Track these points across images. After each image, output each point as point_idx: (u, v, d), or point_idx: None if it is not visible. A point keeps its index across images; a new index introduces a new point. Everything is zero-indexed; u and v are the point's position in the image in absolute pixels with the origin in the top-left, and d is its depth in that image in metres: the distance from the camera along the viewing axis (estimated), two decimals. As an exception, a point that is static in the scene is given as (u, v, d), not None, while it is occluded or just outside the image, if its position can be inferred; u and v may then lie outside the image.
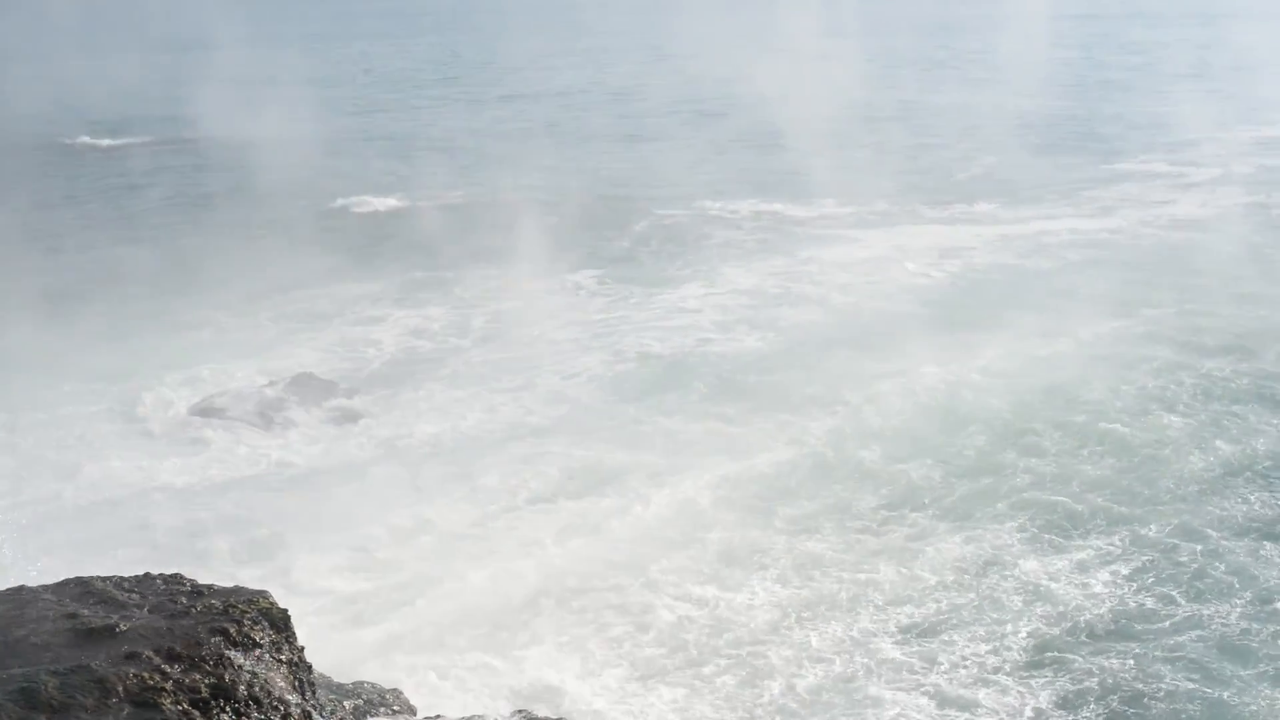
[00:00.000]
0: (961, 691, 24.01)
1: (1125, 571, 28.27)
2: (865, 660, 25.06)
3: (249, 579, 17.32)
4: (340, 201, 69.52)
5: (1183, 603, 26.84)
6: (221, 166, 79.56)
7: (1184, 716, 23.13)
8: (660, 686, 24.29)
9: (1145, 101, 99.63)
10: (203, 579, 13.84)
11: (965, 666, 24.85)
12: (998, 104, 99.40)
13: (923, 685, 24.20)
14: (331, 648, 22.71)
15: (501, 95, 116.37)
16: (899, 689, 24.10)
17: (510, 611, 26.84)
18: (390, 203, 69.19)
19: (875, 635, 25.99)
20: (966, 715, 23.36)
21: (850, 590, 27.69)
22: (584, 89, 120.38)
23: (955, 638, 25.83)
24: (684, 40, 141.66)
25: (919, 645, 25.55)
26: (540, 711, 20.07)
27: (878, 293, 50.54)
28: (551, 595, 27.52)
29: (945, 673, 24.62)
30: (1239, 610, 26.41)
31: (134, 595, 12.97)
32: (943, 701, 23.74)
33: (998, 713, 23.36)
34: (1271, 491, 31.83)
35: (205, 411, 38.08)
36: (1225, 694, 23.60)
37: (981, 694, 23.96)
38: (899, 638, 25.85)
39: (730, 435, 36.25)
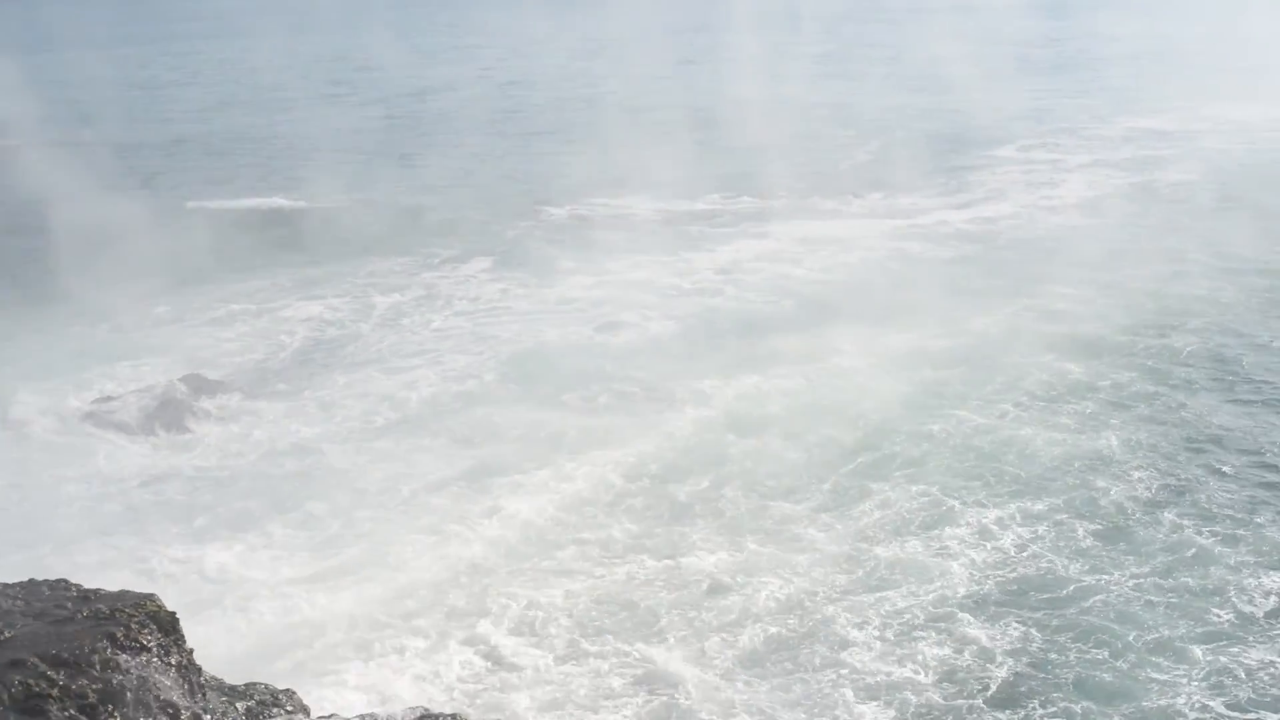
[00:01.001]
0: (865, 658, 24.92)
1: (1016, 544, 29.29)
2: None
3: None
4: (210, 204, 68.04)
5: (1074, 574, 27.88)
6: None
7: (1080, 678, 24.09)
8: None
9: (1019, 93, 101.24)
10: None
11: (865, 634, 25.72)
12: (878, 99, 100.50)
13: (809, 658, 24.92)
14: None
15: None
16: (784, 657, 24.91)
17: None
18: (259, 202, 68.16)
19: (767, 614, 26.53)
20: (872, 677, 24.30)
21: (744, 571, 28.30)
22: (452, 84, 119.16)
23: (835, 611, 26.67)
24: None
25: (802, 623, 26.28)
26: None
27: (755, 287, 50.92)
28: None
29: (836, 647, 25.37)
30: (1130, 580, 27.49)
31: (18, 602, 12.70)
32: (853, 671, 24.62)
33: (894, 678, 24.21)
34: (1154, 471, 32.90)
35: (87, 416, 37.27)
36: (1117, 661, 24.55)
37: (872, 659, 24.85)
38: (787, 617, 26.48)
39: (606, 427, 36.57)
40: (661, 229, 60.58)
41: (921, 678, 24.38)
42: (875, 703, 23.64)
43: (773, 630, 26.08)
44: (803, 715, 23.34)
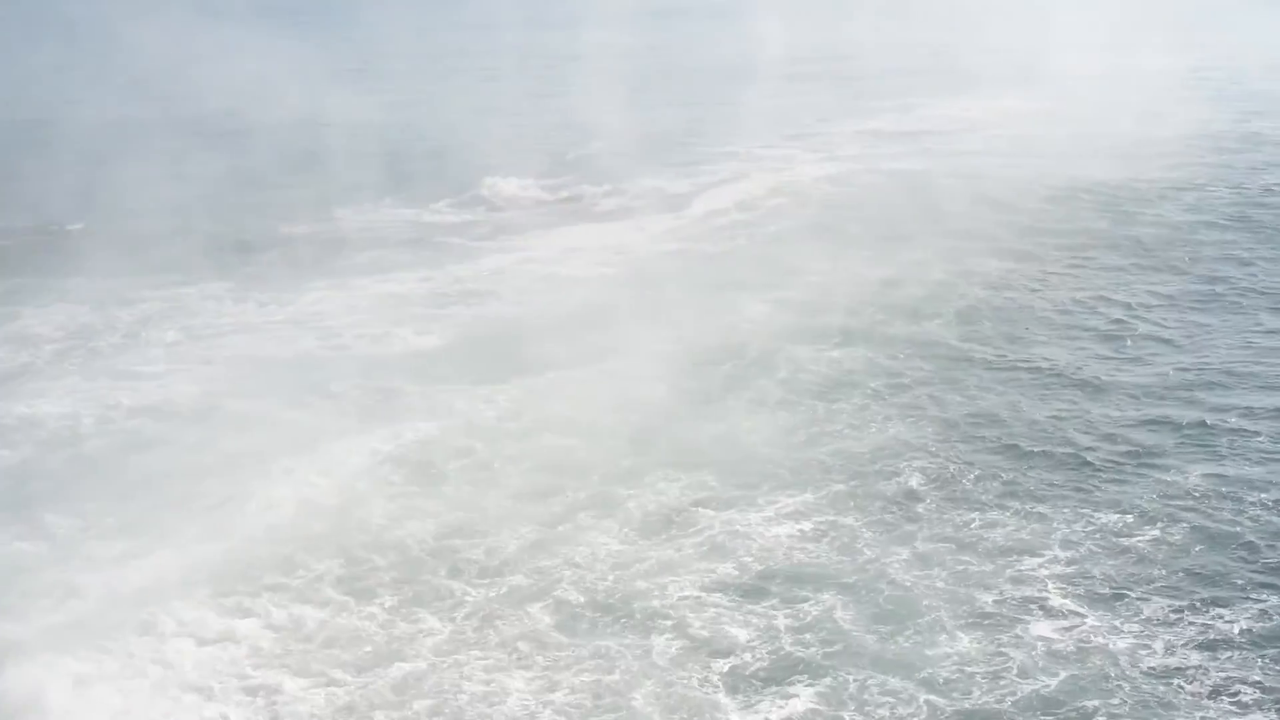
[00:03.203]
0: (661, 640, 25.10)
1: (806, 528, 29.44)
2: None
3: None
4: None
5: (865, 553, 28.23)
6: None
7: (855, 661, 24.22)
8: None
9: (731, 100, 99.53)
10: None
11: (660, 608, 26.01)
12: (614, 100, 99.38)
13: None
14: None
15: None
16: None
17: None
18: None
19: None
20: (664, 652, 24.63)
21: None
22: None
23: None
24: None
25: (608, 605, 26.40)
26: None
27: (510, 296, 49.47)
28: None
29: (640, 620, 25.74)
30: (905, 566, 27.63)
31: None
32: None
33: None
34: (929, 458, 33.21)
35: None
36: (890, 645, 24.64)
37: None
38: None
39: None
40: (414, 240, 58.77)
41: (683, 670, 24.22)
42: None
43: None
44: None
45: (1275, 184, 61.23)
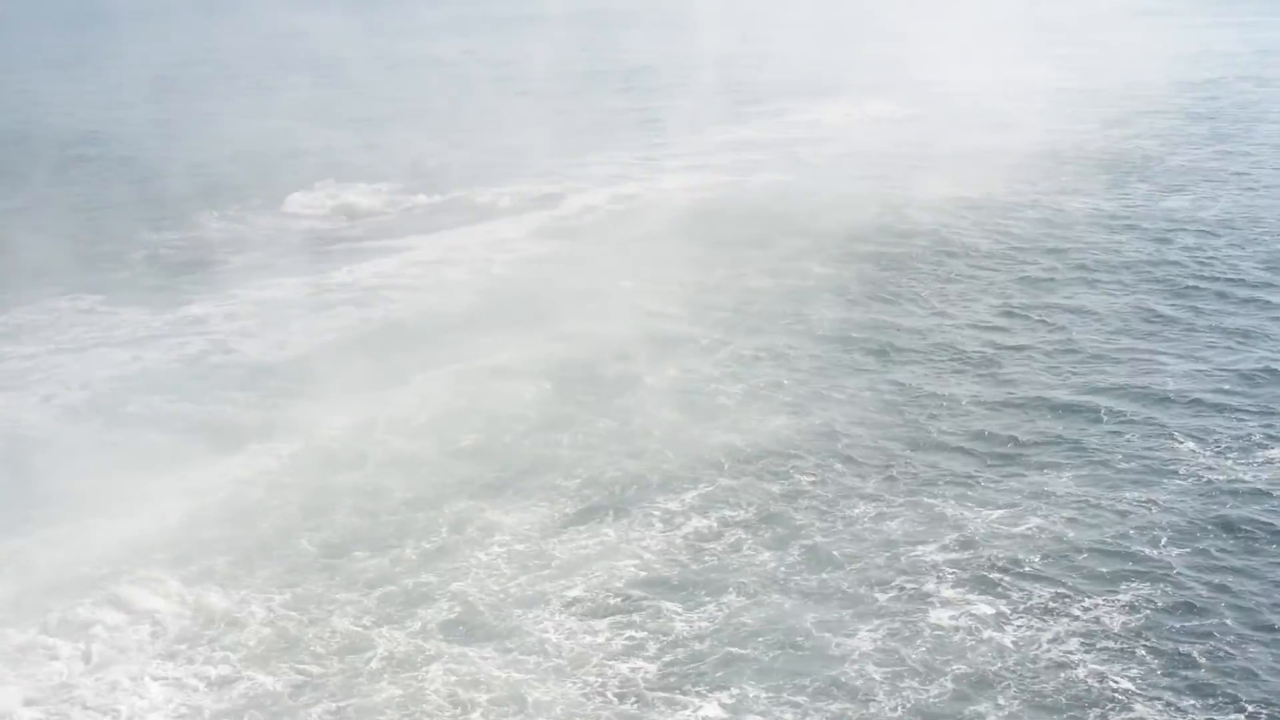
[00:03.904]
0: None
1: (698, 528, 29.81)
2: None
3: None
4: None
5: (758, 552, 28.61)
6: None
7: (764, 659, 24.43)
8: None
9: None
10: None
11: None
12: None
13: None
14: None
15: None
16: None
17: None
18: None
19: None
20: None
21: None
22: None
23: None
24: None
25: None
26: None
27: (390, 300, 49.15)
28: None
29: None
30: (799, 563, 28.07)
31: None
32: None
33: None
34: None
35: None
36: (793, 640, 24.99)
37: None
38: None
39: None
40: (295, 244, 58.03)
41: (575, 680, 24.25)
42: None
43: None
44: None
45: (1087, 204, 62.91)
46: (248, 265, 54.03)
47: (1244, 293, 45.29)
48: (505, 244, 56.86)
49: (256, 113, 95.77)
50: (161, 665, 25.02)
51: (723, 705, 23.33)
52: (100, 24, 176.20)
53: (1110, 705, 22.98)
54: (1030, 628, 25.35)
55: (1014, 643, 24.86)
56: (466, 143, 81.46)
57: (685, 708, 23.30)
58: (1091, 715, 22.75)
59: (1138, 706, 22.92)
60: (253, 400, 38.30)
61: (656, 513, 30.55)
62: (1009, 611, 25.90)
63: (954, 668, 24.10)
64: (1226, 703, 23.02)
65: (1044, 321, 43.48)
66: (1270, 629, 25.13)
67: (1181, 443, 33.31)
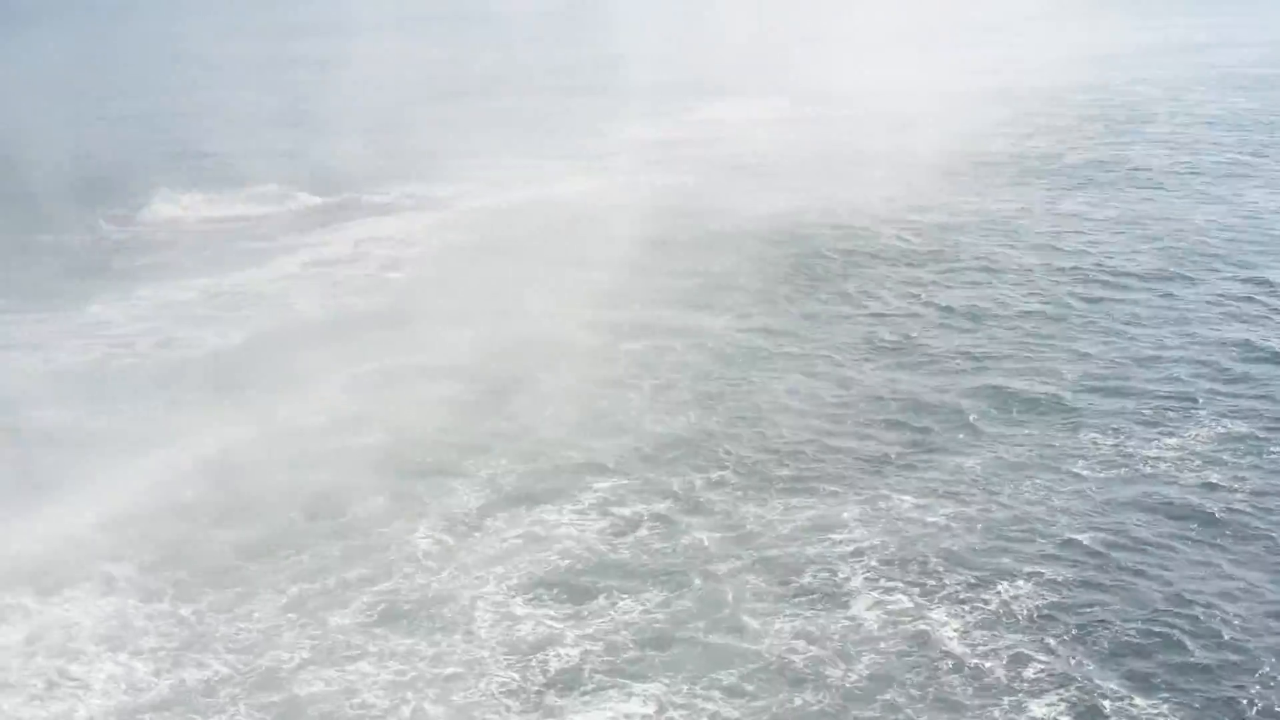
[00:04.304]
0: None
1: (614, 522, 30.01)
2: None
3: None
4: None
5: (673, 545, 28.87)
6: None
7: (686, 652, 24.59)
8: None
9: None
10: None
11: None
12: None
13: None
14: None
15: None
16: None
17: None
18: None
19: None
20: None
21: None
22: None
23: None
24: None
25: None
26: None
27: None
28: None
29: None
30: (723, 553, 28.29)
31: None
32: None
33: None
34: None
35: None
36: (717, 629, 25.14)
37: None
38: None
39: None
40: (193, 246, 57.47)
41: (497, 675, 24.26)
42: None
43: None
44: None
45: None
46: (146, 267, 53.47)
47: (1138, 286, 46.61)
48: (406, 245, 56.85)
49: (150, 114, 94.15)
50: (79, 667, 24.74)
51: (646, 695, 23.47)
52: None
53: (1023, 691, 23.41)
54: (946, 615, 25.81)
55: (931, 630, 25.30)
56: (368, 143, 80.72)
57: (609, 698, 23.44)
58: (1005, 701, 23.17)
59: (1050, 693, 23.37)
60: (160, 403, 37.84)
61: (572, 506, 30.74)
62: (925, 599, 26.38)
63: (872, 656, 24.45)
64: (1138, 685, 23.55)
65: (947, 318, 44.32)
66: (1175, 608, 25.85)
67: (1084, 430, 34.19)
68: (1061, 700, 23.13)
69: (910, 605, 26.17)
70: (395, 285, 50.53)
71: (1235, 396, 36.09)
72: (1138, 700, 23.12)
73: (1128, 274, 48.04)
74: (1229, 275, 47.34)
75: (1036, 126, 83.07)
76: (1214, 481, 31.08)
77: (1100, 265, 49.30)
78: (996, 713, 22.87)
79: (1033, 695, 23.31)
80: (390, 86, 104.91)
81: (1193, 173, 66.41)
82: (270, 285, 50.86)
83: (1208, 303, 44.39)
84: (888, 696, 23.32)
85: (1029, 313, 44.36)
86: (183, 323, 45.79)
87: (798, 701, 23.24)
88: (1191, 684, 23.58)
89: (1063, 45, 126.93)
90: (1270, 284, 45.82)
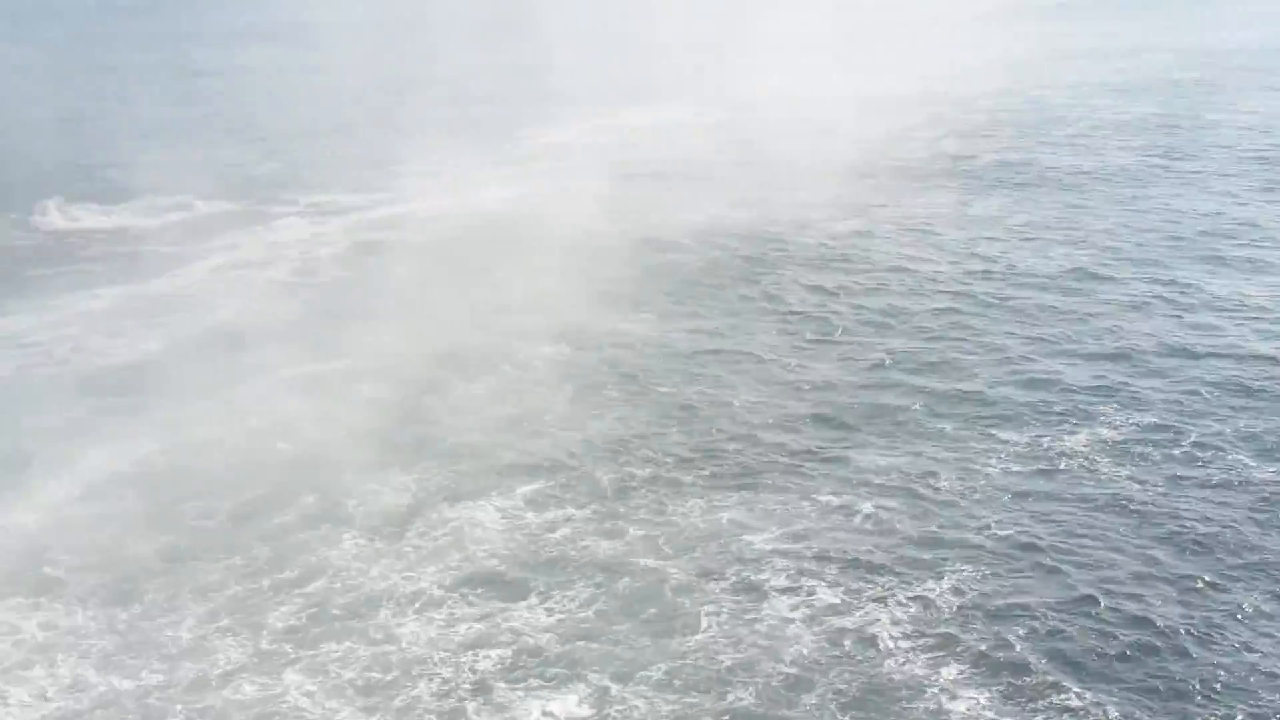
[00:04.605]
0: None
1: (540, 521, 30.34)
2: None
3: None
4: None
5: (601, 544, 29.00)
6: None
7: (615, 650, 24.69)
8: None
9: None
10: None
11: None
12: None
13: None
14: None
15: None
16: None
17: None
18: None
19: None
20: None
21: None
22: None
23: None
24: None
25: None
26: None
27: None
28: None
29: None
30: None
31: None
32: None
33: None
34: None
35: None
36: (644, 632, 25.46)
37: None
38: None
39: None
40: (98, 255, 56.55)
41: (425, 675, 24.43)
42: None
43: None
44: None
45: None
46: (55, 276, 52.43)
47: (1050, 285, 47.59)
48: (319, 250, 56.63)
49: (52, 122, 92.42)
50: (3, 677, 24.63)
51: (573, 695, 23.68)
52: None
53: (951, 682, 23.85)
54: (872, 610, 26.25)
55: (857, 625, 25.71)
56: (272, 152, 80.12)
57: (537, 698, 23.61)
58: (932, 694, 23.55)
59: (977, 685, 23.81)
60: (82, 412, 37.36)
61: (498, 507, 30.96)
62: (850, 595, 26.79)
63: (799, 651, 24.82)
64: (1064, 672, 24.14)
65: (864, 318, 45.00)
66: (1098, 595, 26.56)
67: (1000, 426, 34.94)
68: (988, 692, 23.60)
69: (836, 601, 26.58)
70: (311, 290, 50.31)
71: (1144, 391, 37.03)
72: (1065, 687, 23.69)
73: (1039, 274, 49.00)
74: (1137, 275, 48.46)
75: (950, 130, 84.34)
76: (1127, 474, 31.94)
77: (1012, 267, 50.20)
78: (925, 706, 23.29)
79: (960, 687, 23.77)
80: (308, 94, 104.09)
81: (1102, 176, 67.90)
82: (186, 291, 50.33)
83: (1117, 301, 45.47)
84: (816, 692, 23.67)
85: (942, 311, 45.14)
86: (98, 331, 45.13)
87: (729, 698, 23.52)
88: (1117, 670, 24.24)
89: (978, 51, 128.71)
90: (1178, 283, 47.04)
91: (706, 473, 32.72)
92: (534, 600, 26.80)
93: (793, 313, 45.94)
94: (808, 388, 38.44)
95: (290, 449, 34.30)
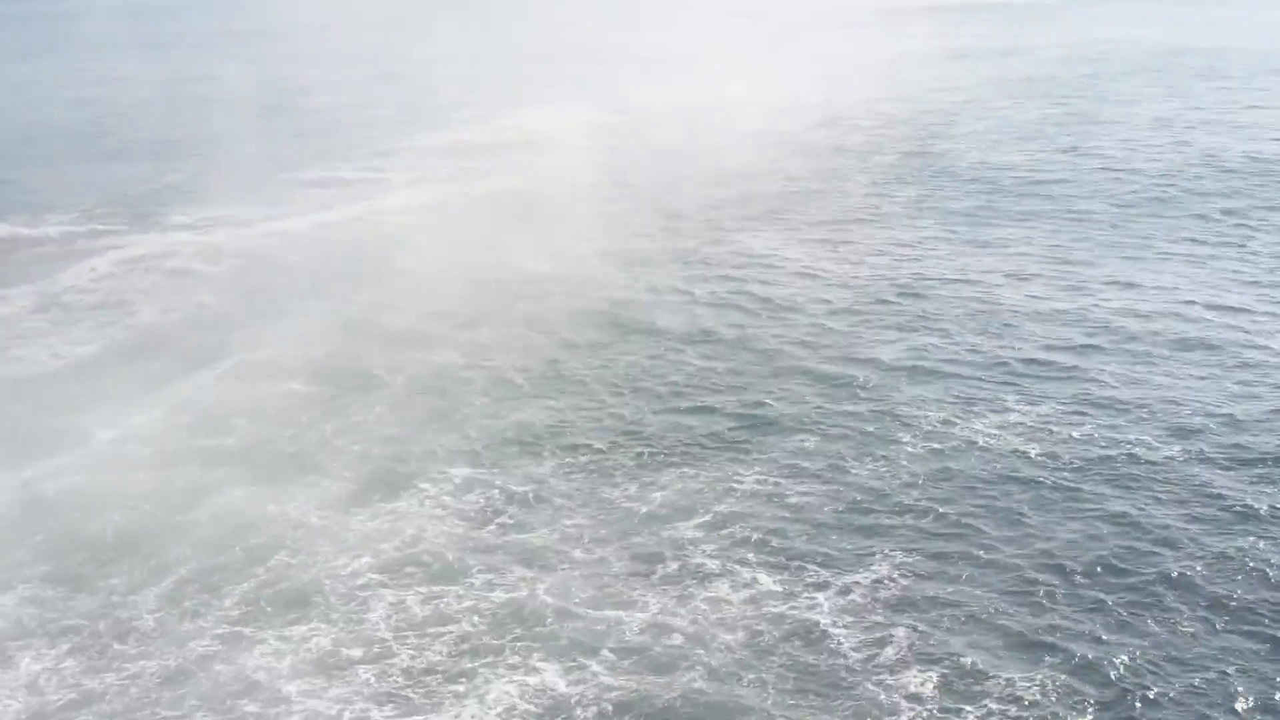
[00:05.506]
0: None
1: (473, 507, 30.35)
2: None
3: None
4: None
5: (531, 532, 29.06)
6: None
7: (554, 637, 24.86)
8: None
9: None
10: None
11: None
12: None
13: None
14: None
15: None
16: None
17: None
18: None
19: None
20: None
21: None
22: None
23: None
24: None
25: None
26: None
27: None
28: None
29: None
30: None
31: None
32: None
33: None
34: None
35: None
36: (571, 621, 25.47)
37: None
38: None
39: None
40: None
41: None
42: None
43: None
44: None
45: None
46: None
47: (953, 280, 48.58)
48: (210, 262, 55.09)
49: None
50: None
51: (514, 681, 23.60)
52: None
53: (889, 665, 24.01)
54: (807, 592, 26.42)
55: (792, 609, 25.84)
56: (159, 165, 78.53)
57: (477, 684, 23.51)
58: (870, 676, 23.68)
59: (915, 666, 23.98)
60: (12, 417, 36.57)
61: (426, 497, 30.93)
62: (785, 577, 26.98)
63: (737, 635, 24.89)
64: (999, 649, 24.44)
65: (769, 310, 45.58)
66: (1026, 571, 27.07)
67: (910, 410, 35.60)
68: (925, 671, 23.81)
69: (771, 584, 26.72)
70: (222, 290, 49.80)
71: (1044, 379, 37.88)
72: (1000, 663, 24.01)
73: (942, 276, 49.52)
74: (1036, 272, 49.67)
75: (853, 128, 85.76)
76: (1039, 453, 32.60)
77: (919, 273, 50.27)
78: (863, 688, 23.40)
79: (898, 668, 23.96)
80: (189, 105, 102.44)
81: (1001, 170, 69.49)
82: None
83: (1017, 296, 46.42)
84: (754, 675, 23.73)
85: (843, 310, 45.52)
86: (17, 335, 44.45)
87: (665, 679, 23.52)
88: (1053, 640, 24.62)
89: (868, 53, 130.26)
90: (1075, 281, 48.26)
91: (634, 456, 32.97)
92: (473, 585, 26.72)
93: (702, 303, 46.66)
94: (723, 370, 39.19)
95: (218, 441, 34.37)
